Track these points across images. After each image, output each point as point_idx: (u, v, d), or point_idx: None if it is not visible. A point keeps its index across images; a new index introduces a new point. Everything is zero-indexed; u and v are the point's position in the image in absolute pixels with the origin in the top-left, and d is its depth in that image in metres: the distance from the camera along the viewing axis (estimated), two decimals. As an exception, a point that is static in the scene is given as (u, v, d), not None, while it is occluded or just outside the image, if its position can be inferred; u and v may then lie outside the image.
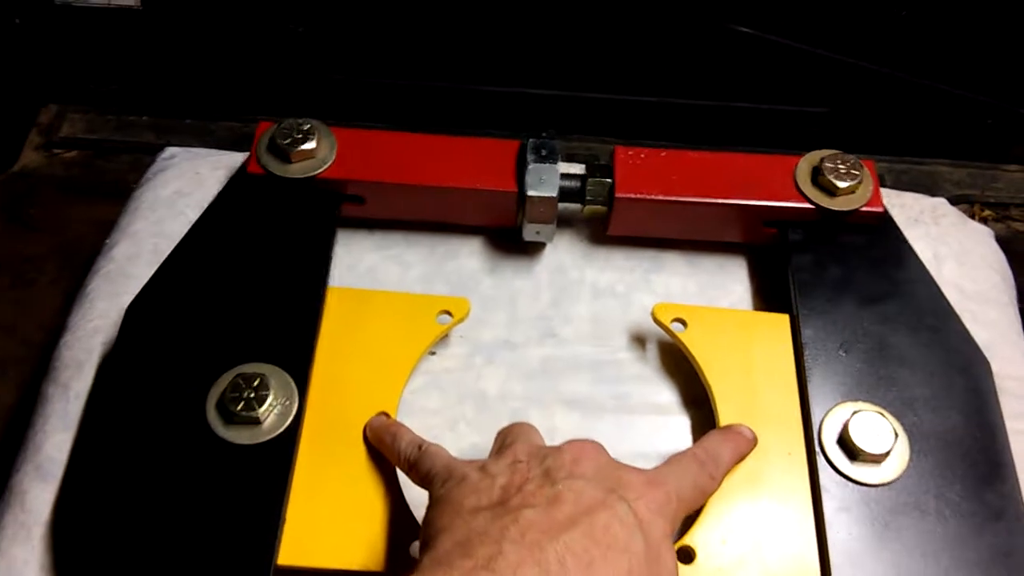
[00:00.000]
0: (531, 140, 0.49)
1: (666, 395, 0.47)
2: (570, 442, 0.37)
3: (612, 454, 0.45)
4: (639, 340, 0.49)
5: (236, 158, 0.55)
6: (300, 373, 0.43)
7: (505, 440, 0.39)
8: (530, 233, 0.50)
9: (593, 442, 0.38)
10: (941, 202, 0.56)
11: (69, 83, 0.87)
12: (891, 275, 0.48)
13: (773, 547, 0.40)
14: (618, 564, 0.32)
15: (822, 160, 0.49)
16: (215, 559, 0.39)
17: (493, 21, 0.71)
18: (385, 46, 0.75)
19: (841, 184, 0.48)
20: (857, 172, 0.48)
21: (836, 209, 0.48)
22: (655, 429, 0.46)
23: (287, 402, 0.43)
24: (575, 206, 0.51)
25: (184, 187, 0.54)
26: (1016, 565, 0.40)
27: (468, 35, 0.74)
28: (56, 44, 0.82)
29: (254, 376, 0.42)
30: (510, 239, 0.52)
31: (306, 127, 0.49)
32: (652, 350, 0.49)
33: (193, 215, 0.51)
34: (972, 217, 0.72)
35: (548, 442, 0.45)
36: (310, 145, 0.48)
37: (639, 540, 0.33)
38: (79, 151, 0.86)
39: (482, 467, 0.36)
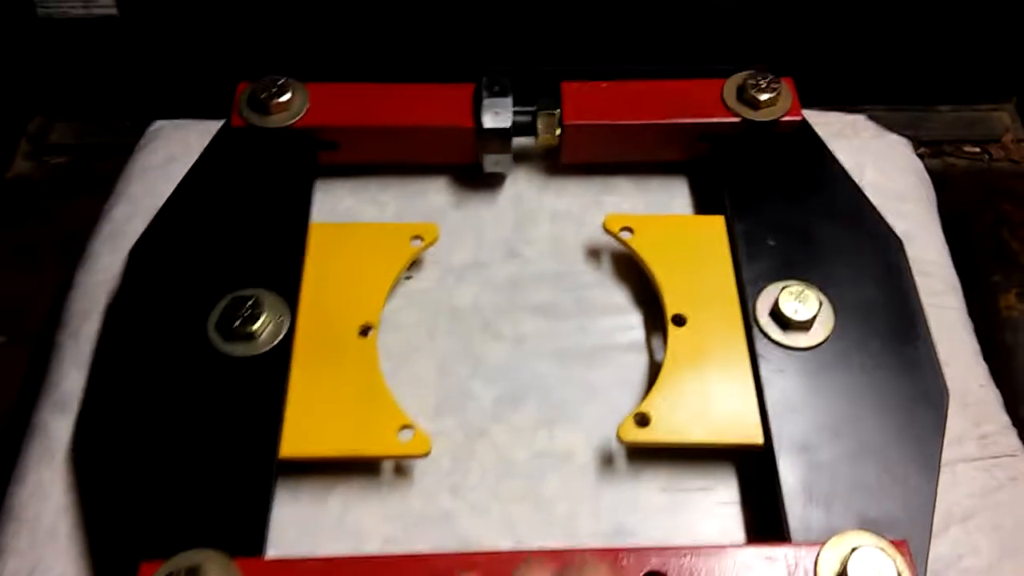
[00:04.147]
0: (484, 78, 0.54)
1: (620, 296, 0.53)
2: None
3: (575, 348, 0.51)
4: (594, 253, 0.55)
5: (219, 125, 0.60)
6: (290, 294, 0.48)
7: None
8: (490, 164, 0.55)
9: None
10: (860, 118, 0.62)
11: (55, 93, 0.92)
12: (813, 175, 0.53)
13: (719, 407, 0.45)
14: None
15: (745, 78, 0.54)
16: (226, 458, 0.43)
17: None
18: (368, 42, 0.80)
19: (762, 97, 0.54)
20: (776, 86, 0.54)
21: (760, 120, 0.54)
22: (612, 326, 0.52)
23: (280, 319, 0.48)
24: (530, 141, 0.56)
25: (174, 153, 0.59)
26: (932, 404, 0.45)
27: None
28: (40, 56, 0.87)
29: (248, 297, 0.47)
30: (473, 175, 0.57)
31: (281, 82, 0.54)
32: (606, 259, 0.54)
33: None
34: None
35: (516, 350, 0.50)
36: (286, 97, 0.53)
37: None
38: (68, 156, 0.91)
39: None
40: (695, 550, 0.39)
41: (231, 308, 0.47)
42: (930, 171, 0.63)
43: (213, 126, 0.61)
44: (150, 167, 0.59)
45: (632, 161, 0.57)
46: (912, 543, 0.40)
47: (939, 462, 0.43)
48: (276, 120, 0.54)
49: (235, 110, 0.54)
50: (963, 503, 0.46)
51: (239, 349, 0.46)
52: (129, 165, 0.60)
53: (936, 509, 0.43)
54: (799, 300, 0.47)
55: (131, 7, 0.83)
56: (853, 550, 0.38)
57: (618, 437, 0.45)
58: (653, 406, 0.45)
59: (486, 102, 0.53)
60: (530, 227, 0.56)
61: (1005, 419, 0.50)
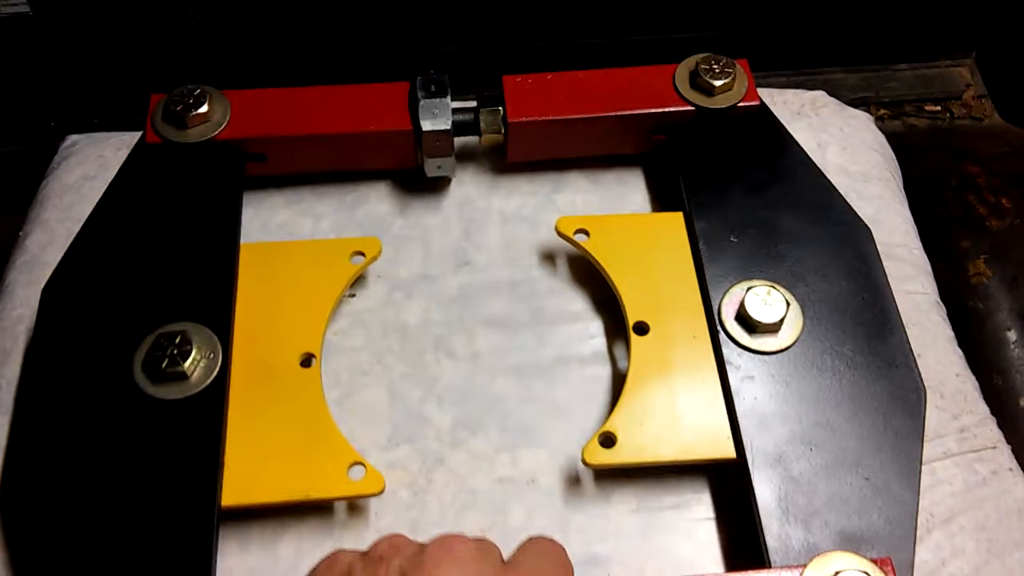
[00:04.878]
0: (419, 78, 0.50)
1: (579, 303, 0.50)
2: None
3: (534, 362, 0.48)
4: (549, 257, 0.51)
5: (137, 137, 0.56)
6: (221, 327, 0.45)
7: None
8: (432, 168, 0.52)
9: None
10: (820, 94, 0.59)
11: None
12: (774, 163, 0.50)
13: (687, 421, 0.43)
14: None
15: (697, 63, 0.51)
16: (162, 511, 0.40)
17: None
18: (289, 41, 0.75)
19: (717, 83, 0.50)
20: (731, 70, 0.51)
21: (715, 107, 0.51)
22: (571, 335, 0.49)
23: (212, 355, 0.44)
24: (474, 140, 0.53)
25: (89, 171, 0.55)
26: (909, 405, 0.43)
27: None
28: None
29: (175, 333, 0.44)
30: (416, 180, 0.54)
31: (197, 92, 0.50)
32: (562, 264, 0.51)
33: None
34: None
35: (472, 369, 0.47)
36: (204, 109, 0.49)
37: None
38: (-11, 166, 0.86)
39: None
40: (670, 584, 0.37)
41: (157, 347, 0.43)
42: (891, 134, 0.61)
43: (129, 138, 0.57)
44: (65, 188, 0.54)
45: (583, 156, 0.54)
46: (895, 557, 0.38)
47: (919, 468, 0.41)
48: (195, 134, 0.49)
49: (149, 125, 0.50)
50: (945, 503, 0.44)
51: (169, 391, 0.43)
52: (43, 187, 0.55)
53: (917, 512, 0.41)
54: (765, 301, 0.44)
55: (44, 5, 0.77)
56: (836, 574, 0.36)
57: (583, 461, 0.42)
58: (618, 425, 0.43)
59: (423, 103, 0.49)
60: (479, 233, 0.52)
61: (984, 408, 0.48)
